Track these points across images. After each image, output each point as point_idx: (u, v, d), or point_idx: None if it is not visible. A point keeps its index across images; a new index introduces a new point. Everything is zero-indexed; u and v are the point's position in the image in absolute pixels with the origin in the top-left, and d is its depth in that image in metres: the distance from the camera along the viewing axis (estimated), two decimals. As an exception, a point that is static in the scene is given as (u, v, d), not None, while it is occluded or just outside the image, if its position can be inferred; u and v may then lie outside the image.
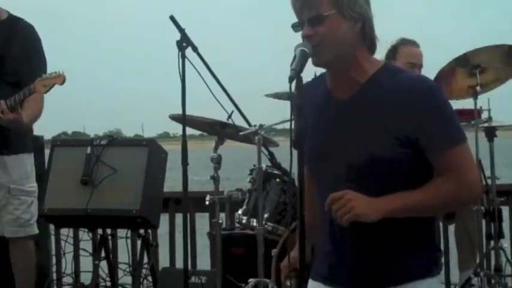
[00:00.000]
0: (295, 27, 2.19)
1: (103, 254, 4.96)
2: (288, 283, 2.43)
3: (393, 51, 4.56)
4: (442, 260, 2.27)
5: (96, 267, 4.85)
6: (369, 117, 2.13)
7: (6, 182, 4.12)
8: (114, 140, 4.73)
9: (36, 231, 4.34)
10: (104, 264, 5.02)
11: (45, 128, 4.94)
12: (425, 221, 2.19)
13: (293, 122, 2.02)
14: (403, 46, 4.55)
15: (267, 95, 4.47)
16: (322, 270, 2.27)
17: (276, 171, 4.01)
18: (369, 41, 2.18)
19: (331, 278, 2.24)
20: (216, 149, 4.07)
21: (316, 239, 2.30)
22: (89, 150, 4.63)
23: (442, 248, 5.05)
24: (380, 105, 2.12)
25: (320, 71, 2.33)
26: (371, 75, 2.18)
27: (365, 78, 2.18)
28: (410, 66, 4.50)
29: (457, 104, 4.23)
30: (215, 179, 4.04)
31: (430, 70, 4.38)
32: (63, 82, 3.92)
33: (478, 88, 4.15)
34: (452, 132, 2.12)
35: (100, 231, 4.95)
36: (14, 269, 4.28)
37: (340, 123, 2.19)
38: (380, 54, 4.56)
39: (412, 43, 4.60)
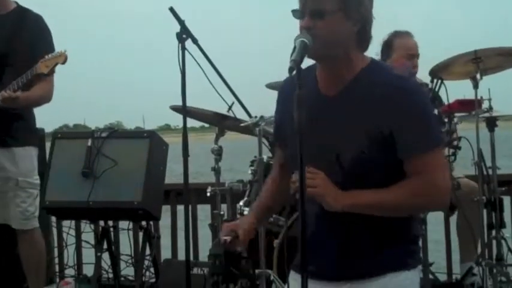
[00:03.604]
0: (296, 12, 2.18)
1: (105, 246, 4.97)
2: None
3: (388, 45, 4.55)
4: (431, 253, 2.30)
5: (98, 259, 4.86)
6: (353, 114, 2.15)
7: (14, 174, 4.13)
8: (115, 132, 4.73)
9: (37, 224, 4.34)
10: (106, 256, 5.03)
11: (46, 120, 4.94)
12: (400, 216, 2.20)
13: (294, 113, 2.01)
14: (398, 38, 4.55)
15: (267, 86, 4.47)
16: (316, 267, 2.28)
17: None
18: (365, 41, 2.21)
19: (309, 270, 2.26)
20: (216, 140, 4.07)
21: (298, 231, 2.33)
22: (89, 142, 4.63)
23: (444, 238, 5.12)
24: (364, 103, 2.14)
25: None
26: (358, 72, 2.20)
27: (352, 75, 2.20)
28: (408, 57, 4.49)
29: (457, 94, 4.22)
30: (216, 171, 4.04)
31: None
32: (65, 61, 3.92)
33: (478, 77, 4.14)
34: (430, 135, 2.13)
35: (102, 223, 4.96)
36: (23, 262, 4.29)
37: (326, 119, 2.20)
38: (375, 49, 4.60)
39: (406, 34, 4.59)
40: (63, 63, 3.93)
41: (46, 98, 4.16)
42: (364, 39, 2.19)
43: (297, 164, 1.97)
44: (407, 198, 2.12)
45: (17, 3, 4.18)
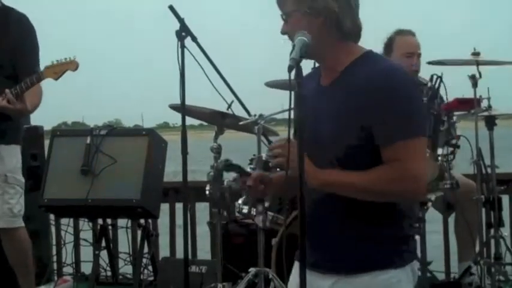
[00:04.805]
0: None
1: (103, 244, 4.97)
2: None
3: (390, 43, 4.55)
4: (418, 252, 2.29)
5: (96, 257, 4.86)
6: (341, 103, 2.18)
7: (1, 170, 4.04)
8: (113, 130, 4.74)
9: (23, 223, 4.21)
10: (104, 254, 5.03)
11: (44, 118, 4.94)
12: (388, 213, 2.21)
13: (293, 111, 2.02)
14: (399, 36, 4.54)
15: (266, 84, 4.47)
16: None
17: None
18: (339, 31, 2.21)
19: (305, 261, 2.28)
20: (215, 138, 4.06)
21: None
22: (88, 140, 4.63)
23: (442, 237, 5.12)
24: (352, 94, 2.17)
25: None
26: (349, 64, 2.24)
27: (343, 66, 2.24)
28: (408, 56, 4.49)
29: (456, 93, 4.22)
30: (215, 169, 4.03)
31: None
32: (76, 68, 3.88)
33: (477, 76, 4.14)
34: (406, 124, 2.13)
35: (100, 221, 4.96)
36: (11, 262, 4.21)
37: (320, 108, 2.25)
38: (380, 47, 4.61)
39: (408, 32, 4.59)
40: (74, 70, 3.88)
41: (39, 104, 4.13)
42: (339, 28, 2.21)
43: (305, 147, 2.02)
44: (379, 183, 2.13)
45: (1, 2, 4.12)
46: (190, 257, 4.50)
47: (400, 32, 4.57)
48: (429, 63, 4.27)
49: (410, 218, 2.29)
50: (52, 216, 5.38)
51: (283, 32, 2.28)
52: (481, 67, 4.21)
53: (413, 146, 2.13)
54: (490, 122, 4.25)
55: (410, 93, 2.19)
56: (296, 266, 2.32)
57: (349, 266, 2.20)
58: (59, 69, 3.85)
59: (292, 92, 2.00)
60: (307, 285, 2.01)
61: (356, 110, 2.14)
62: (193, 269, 4.49)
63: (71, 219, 5.37)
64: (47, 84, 3.95)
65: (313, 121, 2.20)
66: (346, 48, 2.25)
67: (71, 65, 3.86)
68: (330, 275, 2.19)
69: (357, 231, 2.20)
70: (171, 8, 3.82)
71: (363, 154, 2.16)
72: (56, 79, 3.88)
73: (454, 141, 3.98)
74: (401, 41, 4.52)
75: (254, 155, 3.97)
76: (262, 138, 3.92)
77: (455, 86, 4.33)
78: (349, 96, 2.17)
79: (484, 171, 4.23)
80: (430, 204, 4.07)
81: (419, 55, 4.54)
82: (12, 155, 4.11)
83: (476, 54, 4.19)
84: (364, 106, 2.13)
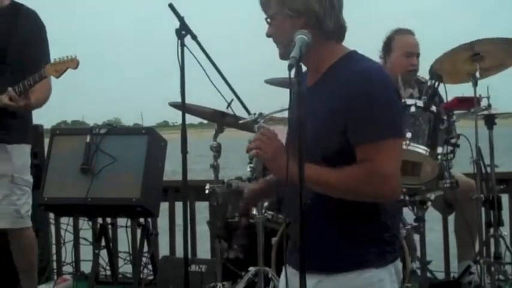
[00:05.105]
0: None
1: (103, 243, 4.97)
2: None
3: (389, 42, 4.54)
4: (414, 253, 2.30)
5: (96, 256, 4.86)
6: (323, 106, 2.19)
7: (8, 170, 4.03)
8: (113, 129, 4.73)
9: (30, 223, 4.23)
10: (104, 253, 5.03)
11: (44, 117, 4.93)
12: (369, 212, 2.22)
13: (293, 110, 2.03)
14: (399, 36, 4.53)
15: (266, 81, 4.46)
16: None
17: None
18: (321, 31, 2.22)
19: (289, 261, 2.31)
20: (215, 137, 4.06)
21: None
22: (88, 139, 4.63)
23: (442, 237, 5.12)
24: (332, 96, 2.19)
25: None
26: (331, 64, 2.26)
27: (325, 67, 2.26)
28: (408, 56, 4.48)
29: (456, 92, 4.21)
30: (215, 168, 4.04)
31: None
32: (76, 66, 3.88)
33: (477, 75, 4.14)
34: (379, 127, 2.14)
35: (100, 220, 4.96)
36: (16, 261, 4.21)
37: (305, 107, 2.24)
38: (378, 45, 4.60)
39: (408, 32, 4.57)
40: (75, 68, 3.89)
41: (47, 99, 4.12)
42: (321, 29, 2.22)
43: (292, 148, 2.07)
44: (350, 182, 2.14)
45: None
46: (190, 256, 4.50)
47: (399, 31, 4.56)
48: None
49: (393, 217, 2.29)
50: (52, 215, 5.38)
51: (268, 35, 2.32)
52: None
53: (385, 147, 2.14)
54: (490, 121, 4.25)
55: (385, 96, 2.18)
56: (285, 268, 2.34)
57: (332, 265, 2.21)
58: (60, 67, 3.86)
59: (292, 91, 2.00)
60: (292, 285, 2.05)
61: (335, 111, 2.16)
62: (193, 268, 4.49)
63: (71, 218, 5.37)
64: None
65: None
66: (329, 48, 2.26)
67: (72, 63, 3.86)
68: (313, 274, 2.18)
69: (338, 231, 2.21)
70: (171, 6, 3.82)
71: (343, 155, 2.17)
72: (57, 77, 3.88)
73: (453, 140, 3.98)
74: (401, 41, 4.51)
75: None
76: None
77: (455, 84, 4.33)
78: (329, 98, 2.19)
79: (483, 170, 4.23)
80: (429, 203, 4.07)
81: (418, 55, 4.53)
82: (20, 155, 4.09)
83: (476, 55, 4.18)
84: (341, 108, 2.14)
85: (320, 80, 2.27)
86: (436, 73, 3.89)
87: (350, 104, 2.13)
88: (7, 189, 4.05)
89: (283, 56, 2.28)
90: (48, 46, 4.14)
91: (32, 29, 4.07)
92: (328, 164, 2.17)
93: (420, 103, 3.72)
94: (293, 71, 2.00)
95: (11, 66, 4.00)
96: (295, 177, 2.01)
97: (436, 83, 3.77)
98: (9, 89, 3.82)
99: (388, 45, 4.54)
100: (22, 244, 4.19)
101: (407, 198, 3.97)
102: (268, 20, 2.31)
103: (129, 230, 5.27)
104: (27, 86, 3.83)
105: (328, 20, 2.23)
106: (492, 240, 4.32)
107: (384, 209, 2.24)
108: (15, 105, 3.84)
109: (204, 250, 5.57)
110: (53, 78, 3.94)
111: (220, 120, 4.08)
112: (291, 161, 2.06)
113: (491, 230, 4.25)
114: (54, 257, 5.49)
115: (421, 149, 3.66)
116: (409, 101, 3.74)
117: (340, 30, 2.28)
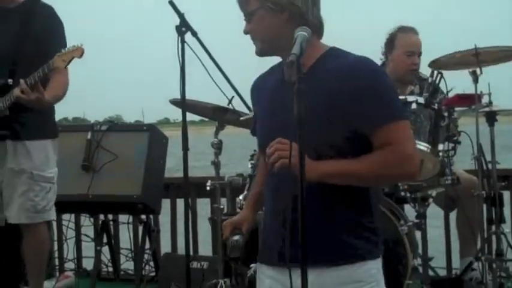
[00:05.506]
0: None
1: (105, 240, 4.97)
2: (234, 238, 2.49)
3: (391, 40, 4.52)
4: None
5: (98, 253, 4.87)
6: (314, 99, 2.15)
7: (28, 167, 3.96)
8: (114, 125, 4.74)
9: (52, 217, 4.20)
10: (105, 249, 5.04)
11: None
12: (363, 204, 2.25)
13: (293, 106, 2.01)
14: (401, 34, 4.50)
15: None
16: (268, 252, 2.35)
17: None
18: (304, 26, 2.19)
19: (274, 259, 2.29)
20: (216, 134, 4.06)
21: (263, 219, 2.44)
22: (89, 135, 4.64)
23: (443, 233, 5.12)
24: (324, 87, 2.19)
25: None
26: (316, 60, 2.26)
27: (310, 62, 2.25)
28: (409, 55, 4.47)
29: (457, 89, 4.20)
30: (216, 165, 4.04)
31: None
32: (81, 55, 3.84)
33: (478, 72, 4.13)
34: (391, 109, 2.19)
35: (102, 216, 4.97)
36: (26, 256, 4.15)
37: (289, 105, 2.16)
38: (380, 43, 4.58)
39: (411, 30, 4.55)
40: (80, 57, 3.85)
41: (64, 95, 4.07)
42: (304, 23, 2.20)
43: (267, 142, 2.14)
44: (377, 169, 2.17)
45: None
46: (191, 252, 4.51)
47: (402, 29, 4.53)
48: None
49: (376, 206, 2.32)
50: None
51: (245, 32, 2.32)
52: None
53: (400, 127, 2.19)
54: (491, 117, 4.24)
55: (386, 81, 2.24)
56: (259, 268, 2.38)
57: (331, 258, 2.21)
58: (66, 57, 3.82)
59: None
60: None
61: (335, 103, 2.16)
62: (195, 265, 4.50)
63: (72, 215, 5.37)
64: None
65: (281, 114, 2.20)
66: (312, 43, 2.23)
67: (77, 52, 3.82)
68: (313, 268, 2.14)
69: (337, 223, 2.22)
70: (171, 3, 3.82)
71: (344, 147, 2.18)
72: (65, 67, 3.85)
73: (454, 137, 3.97)
74: (404, 39, 4.49)
75: (255, 150, 3.98)
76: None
77: (455, 81, 4.32)
78: (324, 91, 2.19)
79: (485, 167, 4.22)
80: (431, 200, 4.07)
81: (420, 54, 4.52)
82: (40, 151, 4.01)
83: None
84: (344, 98, 2.15)
85: (307, 73, 2.20)
86: (437, 69, 3.88)
87: (354, 95, 2.14)
88: (26, 185, 3.97)
89: (261, 52, 2.32)
90: (65, 41, 4.08)
91: (49, 24, 4.04)
92: (320, 158, 2.17)
93: (421, 100, 3.72)
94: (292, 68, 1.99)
95: (28, 61, 3.93)
96: (315, 173, 2.09)
97: (437, 79, 3.77)
98: (21, 81, 3.76)
99: (391, 43, 4.52)
100: (35, 240, 4.10)
101: (408, 194, 3.98)
102: (247, 17, 2.30)
103: (130, 226, 5.28)
104: (37, 78, 3.79)
105: (310, 15, 2.25)
106: (494, 237, 4.32)
107: (373, 200, 2.27)
108: (27, 98, 3.79)
109: (205, 247, 5.58)
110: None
111: (221, 117, 4.08)
112: (307, 158, 2.05)
113: (493, 227, 4.24)
114: (56, 254, 5.49)
115: (423, 146, 3.66)
116: (410, 98, 3.73)
117: (321, 26, 2.30)
